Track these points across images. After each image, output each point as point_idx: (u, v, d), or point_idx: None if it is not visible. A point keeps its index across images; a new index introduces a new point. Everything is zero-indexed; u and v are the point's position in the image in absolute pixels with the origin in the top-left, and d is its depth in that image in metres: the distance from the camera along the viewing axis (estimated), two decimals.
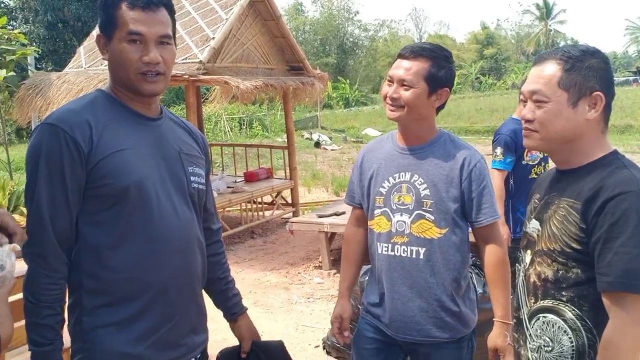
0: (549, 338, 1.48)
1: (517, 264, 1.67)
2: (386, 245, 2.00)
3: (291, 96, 7.58)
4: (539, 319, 1.51)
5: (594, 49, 1.50)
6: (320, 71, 7.85)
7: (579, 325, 1.43)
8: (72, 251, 1.52)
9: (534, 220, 1.57)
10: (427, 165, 1.97)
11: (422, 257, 1.95)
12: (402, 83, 1.91)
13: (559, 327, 1.46)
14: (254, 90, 6.01)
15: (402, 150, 2.02)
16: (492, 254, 1.99)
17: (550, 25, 55.17)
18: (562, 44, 56.49)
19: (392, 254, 1.99)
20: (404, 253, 1.97)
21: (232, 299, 1.89)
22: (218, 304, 1.90)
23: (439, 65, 1.92)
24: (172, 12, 1.59)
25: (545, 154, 3.28)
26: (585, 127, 1.45)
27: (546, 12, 54.97)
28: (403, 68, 1.92)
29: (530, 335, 1.53)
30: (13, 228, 1.16)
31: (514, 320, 1.66)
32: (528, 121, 1.49)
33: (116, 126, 1.53)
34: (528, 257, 1.57)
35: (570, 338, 1.44)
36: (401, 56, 1.96)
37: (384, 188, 2.02)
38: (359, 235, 2.17)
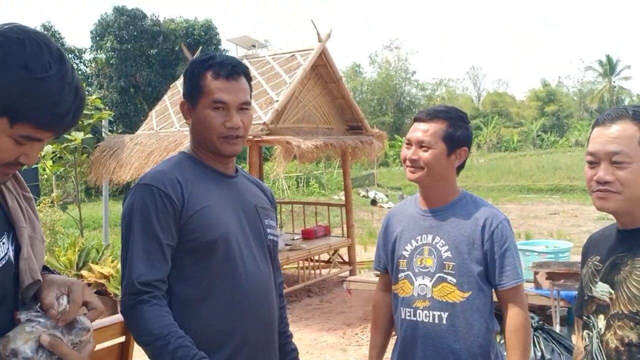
0: None
1: (587, 330, 1.61)
2: (409, 309, 1.98)
3: (349, 154, 7.69)
4: None
5: None
6: (378, 129, 7.97)
7: None
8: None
9: (600, 283, 1.53)
10: (448, 227, 1.96)
11: (444, 322, 1.91)
12: (420, 144, 1.95)
13: None
14: (314, 149, 6.15)
15: (424, 212, 2.03)
16: (513, 317, 1.92)
17: (614, 82, 53.90)
18: (627, 100, 54.91)
19: (415, 319, 1.96)
20: (425, 318, 1.94)
21: (290, 353, 1.93)
22: None
23: (455, 125, 1.96)
24: (249, 79, 1.74)
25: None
26: None
27: (609, 69, 53.83)
28: (420, 130, 1.96)
29: None
30: (97, 305, 1.19)
31: None
32: (607, 182, 1.46)
33: (201, 183, 1.65)
34: (601, 321, 1.52)
35: None
36: (417, 119, 2.01)
37: (407, 251, 2.02)
38: (387, 300, 2.15)
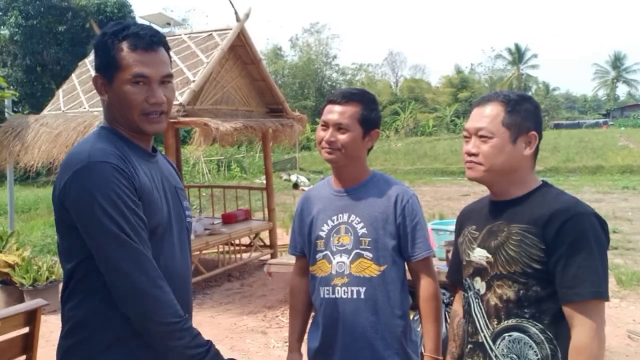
0: (515, 355, 1.60)
1: (465, 292, 1.78)
2: (327, 288, 2.02)
3: (270, 137, 7.64)
4: (504, 339, 1.63)
5: (528, 95, 1.76)
6: (299, 113, 7.97)
7: (542, 338, 1.57)
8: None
9: (478, 249, 1.71)
10: (363, 205, 2.02)
11: (362, 296, 1.97)
12: (338, 127, 1.98)
13: (524, 342, 1.59)
14: (233, 132, 6.06)
15: (338, 192, 2.08)
16: (426, 287, 2.03)
17: (522, 69, 56.88)
18: (534, 87, 58.19)
19: (334, 296, 2.00)
20: (344, 294, 1.99)
21: None
22: None
23: (369, 108, 2.02)
24: (168, 49, 1.62)
25: None
26: (522, 162, 1.67)
27: (518, 57, 56.74)
28: (337, 112, 2.00)
29: (496, 356, 1.64)
30: None
31: (470, 346, 1.74)
32: (472, 154, 1.66)
33: (136, 163, 1.54)
34: (479, 283, 1.70)
35: (535, 351, 1.58)
36: (332, 101, 2.04)
37: (323, 231, 2.05)
38: (304, 284, 2.18)
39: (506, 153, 1.64)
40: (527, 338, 1.59)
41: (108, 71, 1.54)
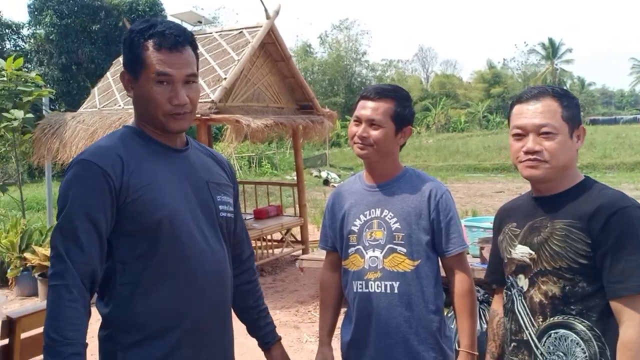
0: (562, 352, 1.57)
1: (506, 290, 1.75)
2: (360, 282, 2.01)
3: (300, 134, 7.66)
4: (550, 336, 1.60)
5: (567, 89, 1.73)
6: (329, 109, 7.97)
7: (590, 335, 1.54)
8: (96, 286, 1.50)
9: (520, 246, 1.68)
10: (396, 200, 2.01)
11: (396, 291, 1.96)
12: (370, 122, 1.98)
13: (571, 339, 1.56)
14: (264, 129, 6.10)
15: (370, 187, 2.07)
16: (460, 283, 2.01)
17: (556, 64, 55.68)
18: (569, 82, 56.90)
19: (367, 290, 1.99)
20: (377, 288, 1.98)
21: (264, 327, 1.89)
22: (251, 333, 1.90)
23: (402, 105, 2.00)
24: (195, 48, 1.61)
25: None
26: (574, 156, 1.67)
27: (552, 51, 55.53)
28: (370, 108, 1.99)
29: (542, 354, 1.61)
30: None
31: (514, 344, 1.71)
32: (535, 152, 1.61)
33: (145, 160, 1.55)
34: (522, 280, 1.68)
35: (582, 349, 1.55)
36: (365, 97, 2.03)
37: (356, 226, 2.05)
38: (335, 279, 2.17)
39: (568, 148, 1.62)
40: (574, 335, 1.56)
41: (134, 68, 1.55)
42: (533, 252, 1.64)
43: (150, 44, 1.52)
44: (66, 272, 1.43)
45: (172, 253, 1.53)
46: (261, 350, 1.90)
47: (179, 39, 1.54)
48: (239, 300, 1.80)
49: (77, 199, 1.46)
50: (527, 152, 1.62)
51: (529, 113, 1.64)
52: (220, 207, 1.68)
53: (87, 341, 1.46)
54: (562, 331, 1.57)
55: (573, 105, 1.64)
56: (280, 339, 1.91)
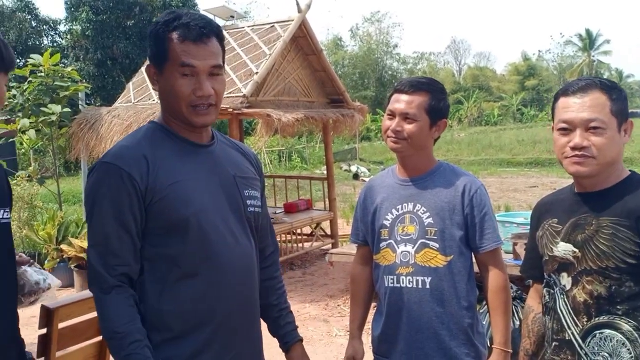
0: (607, 353, 1.53)
1: (548, 288, 1.70)
2: (392, 277, 1.99)
3: (331, 128, 7.66)
4: (594, 336, 1.55)
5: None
6: (360, 103, 7.94)
7: (637, 335, 1.50)
8: (134, 283, 1.51)
9: (562, 244, 1.63)
10: (429, 195, 1.98)
11: (428, 286, 1.93)
12: (405, 117, 1.94)
13: (617, 340, 1.52)
14: (295, 123, 6.11)
15: (404, 181, 2.04)
16: (494, 279, 1.97)
17: (593, 56, 54.24)
18: (607, 74, 55.37)
19: (398, 285, 1.97)
20: (409, 284, 1.96)
21: (285, 327, 1.82)
22: (272, 332, 1.85)
23: (437, 98, 1.97)
24: (221, 39, 1.58)
25: None
26: (622, 151, 1.60)
27: (589, 43, 54.09)
28: (404, 102, 1.95)
29: (586, 354, 1.56)
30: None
31: (555, 344, 1.66)
32: (583, 148, 1.54)
33: (172, 157, 1.53)
34: (565, 279, 1.62)
35: (628, 349, 1.50)
36: (399, 90, 1.99)
37: (388, 220, 2.02)
38: (366, 273, 2.16)
39: (616, 144, 1.57)
40: (620, 336, 1.51)
41: (159, 61, 1.53)
42: (577, 250, 1.59)
43: (175, 36, 1.49)
44: (103, 279, 1.46)
45: (201, 251, 1.51)
46: (282, 351, 1.84)
47: (204, 31, 1.51)
48: (261, 297, 1.75)
49: (104, 204, 1.46)
50: (574, 148, 1.56)
51: (577, 107, 1.56)
52: (249, 202, 1.65)
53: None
54: (607, 331, 1.53)
55: (622, 98, 1.58)
56: (301, 340, 1.84)
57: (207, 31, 1.51)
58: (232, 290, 1.56)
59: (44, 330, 2.24)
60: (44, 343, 2.23)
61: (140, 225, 1.49)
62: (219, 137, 1.71)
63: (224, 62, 1.59)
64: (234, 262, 1.56)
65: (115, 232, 1.46)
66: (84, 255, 6.06)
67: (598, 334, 1.54)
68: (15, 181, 7.97)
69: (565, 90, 1.61)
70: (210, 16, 8.04)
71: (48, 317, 2.21)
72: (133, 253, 1.48)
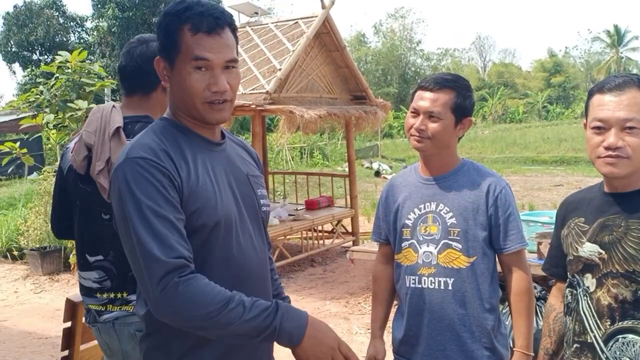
0: (629, 358, 1.49)
1: (571, 289, 1.66)
2: (413, 277, 1.96)
3: (353, 125, 7.64)
4: (617, 340, 1.51)
5: None
6: (382, 100, 7.90)
7: None
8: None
9: (588, 244, 1.58)
10: (452, 194, 1.94)
11: (450, 287, 1.91)
12: (429, 115, 1.90)
13: None
14: (317, 119, 6.11)
15: (426, 180, 2.01)
16: (518, 281, 1.94)
17: (621, 53, 53.15)
18: (635, 71, 54.17)
19: (420, 286, 1.95)
20: (431, 284, 1.93)
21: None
22: None
23: (463, 95, 1.92)
24: (234, 29, 1.48)
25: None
26: None
27: (617, 39, 53.01)
28: (428, 99, 1.91)
29: (607, 358, 1.53)
30: None
31: (576, 345, 1.63)
32: (617, 148, 1.48)
33: (192, 155, 1.44)
34: (589, 280, 1.58)
35: None
36: (423, 87, 1.94)
37: (410, 220, 1.99)
38: (387, 272, 2.14)
39: None
40: None
41: (169, 54, 1.43)
42: (603, 252, 1.54)
43: (186, 27, 1.39)
44: (163, 273, 1.29)
45: (219, 253, 1.44)
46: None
47: (218, 21, 1.41)
48: None
49: (146, 201, 1.31)
50: (608, 148, 1.50)
51: (612, 105, 1.49)
52: (262, 201, 1.60)
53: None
54: (630, 336, 1.49)
55: None
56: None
57: (222, 21, 1.42)
58: (252, 288, 1.50)
59: (69, 324, 2.27)
60: (68, 336, 2.26)
61: (184, 218, 1.37)
62: (226, 134, 1.64)
63: (237, 54, 1.50)
64: (252, 268, 1.52)
65: (165, 230, 1.31)
66: None
67: (621, 338, 1.51)
68: (42, 176, 8.11)
69: (600, 87, 1.55)
70: (235, 12, 8.05)
71: (73, 310, 2.24)
72: (187, 248, 1.34)
